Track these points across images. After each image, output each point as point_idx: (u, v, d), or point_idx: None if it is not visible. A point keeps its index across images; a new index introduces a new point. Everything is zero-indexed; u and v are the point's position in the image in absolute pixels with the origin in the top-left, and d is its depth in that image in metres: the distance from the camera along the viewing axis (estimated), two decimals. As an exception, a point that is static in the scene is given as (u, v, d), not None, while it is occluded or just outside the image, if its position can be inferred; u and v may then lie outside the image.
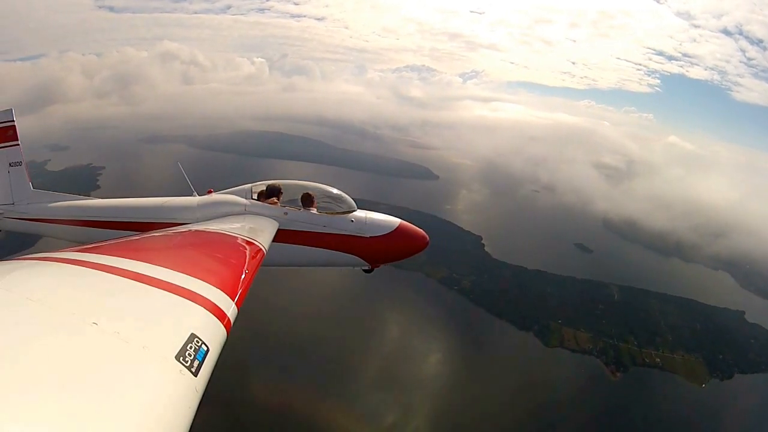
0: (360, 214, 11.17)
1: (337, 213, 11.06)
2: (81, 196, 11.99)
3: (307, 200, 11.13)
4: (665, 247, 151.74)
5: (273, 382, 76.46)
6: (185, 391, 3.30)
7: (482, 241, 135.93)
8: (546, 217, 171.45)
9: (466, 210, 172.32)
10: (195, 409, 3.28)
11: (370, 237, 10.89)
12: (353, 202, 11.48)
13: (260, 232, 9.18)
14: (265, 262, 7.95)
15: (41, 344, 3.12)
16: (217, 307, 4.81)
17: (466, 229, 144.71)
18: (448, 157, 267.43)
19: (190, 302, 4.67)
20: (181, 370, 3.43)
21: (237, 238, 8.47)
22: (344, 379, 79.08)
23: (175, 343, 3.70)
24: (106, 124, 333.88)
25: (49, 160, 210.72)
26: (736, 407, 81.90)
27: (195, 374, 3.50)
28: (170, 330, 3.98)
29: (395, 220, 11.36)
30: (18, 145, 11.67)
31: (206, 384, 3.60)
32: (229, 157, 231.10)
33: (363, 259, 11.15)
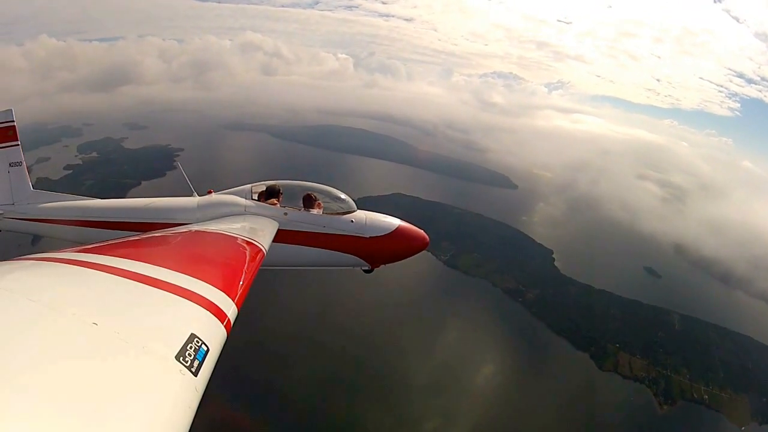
0: (360, 214, 11.54)
1: (337, 213, 11.45)
2: (81, 197, 12.29)
3: (308, 201, 11.57)
4: (731, 278, 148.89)
5: (313, 379, 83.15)
6: (185, 391, 3.43)
7: (553, 255, 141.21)
8: (619, 237, 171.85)
9: (541, 223, 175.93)
10: (195, 409, 3.40)
11: (370, 237, 11.29)
12: (353, 202, 11.88)
13: (260, 232, 9.57)
14: (265, 263, 8.27)
15: (41, 344, 3.24)
16: (217, 307, 4.97)
17: (539, 241, 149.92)
18: (529, 167, 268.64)
19: (190, 302, 4.84)
20: (181, 370, 3.56)
21: (237, 238, 8.80)
22: (391, 381, 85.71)
23: (175, 343, 3.85)
24: (186, 108, 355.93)
25: (127, 137, 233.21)
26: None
27: (195, 374, 3.64)
28: (170, 330, 4.15)
29: (395, 221, 11.78)
30: (18, 145, 11.95)
31: (206, 384, 3.75)
32: (311, 150, 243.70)
33: (363, 259, 11.59)
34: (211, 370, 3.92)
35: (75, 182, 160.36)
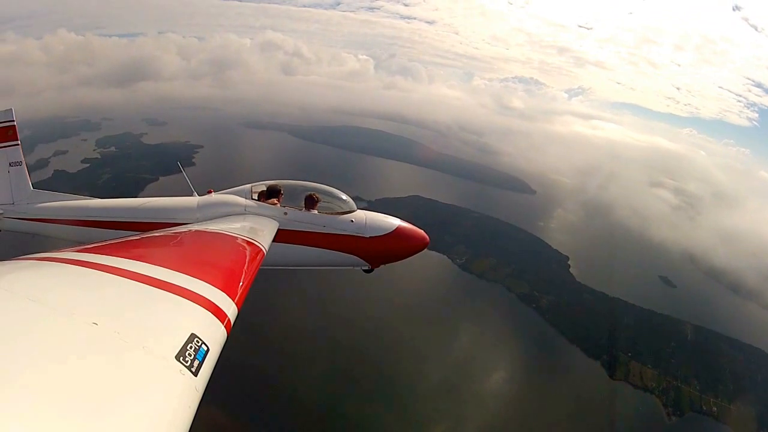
0: (360, 214, 11.68)
1: (337, 213, 11.57)
2: (81, 196, 12.36)
3: (308, 200, 11.66)
4: (744, 289, 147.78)
5: (323, 381, 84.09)
6: (185, 390, 3.47)
7: (568, 262, 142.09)
8: (635, 245, 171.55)
9: (558, 229, 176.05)
10: (195, 408, 3.43)
11: (370, 237, 11.41)
12: (353, 202, 12.03)
13: (260, 232, 9.73)
14: (266, 263, 8.41)
15: (41, 344, 3.26)
16: (218, 307, 5.03)
17: (555, 247, 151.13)
18: (547, 172, 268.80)
19: (190, 302, 4.89)
20: (181, 370, 3.60)
21: (237, 238, 8.94)
22: (401, 383, 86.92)
23: (175, 343, 3.90)
24: (206, 105, 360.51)
25: (146, 133, 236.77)
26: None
27: (195, 374, 3.67)
28: (170, 330, 4.19)
29: (395, 221, 11.93)
30: (18, 144, 11.96)
31: (206, 384, 3.79)
32: (331, 150, 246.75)
33: (363, 259, 11.69)
34: (211, 370, 4.01)
35: (92, 176, 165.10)
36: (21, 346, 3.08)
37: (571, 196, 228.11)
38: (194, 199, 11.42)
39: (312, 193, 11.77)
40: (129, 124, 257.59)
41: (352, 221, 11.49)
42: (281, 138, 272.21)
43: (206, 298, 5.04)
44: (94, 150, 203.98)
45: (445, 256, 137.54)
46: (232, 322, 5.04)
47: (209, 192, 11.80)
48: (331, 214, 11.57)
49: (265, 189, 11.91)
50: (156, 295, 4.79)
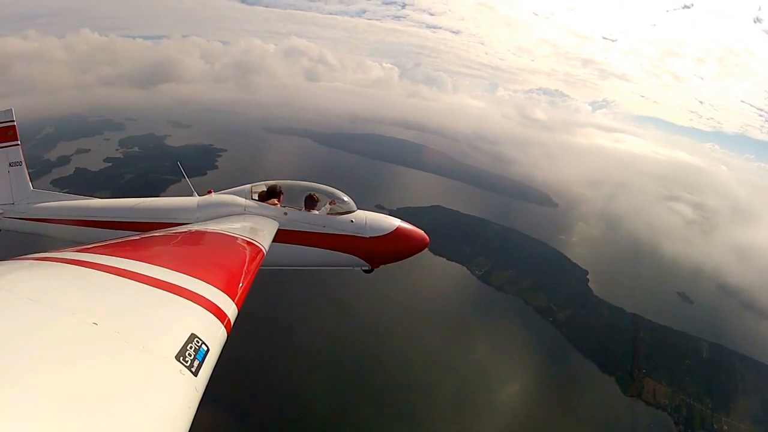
0: (360, 214, 11.86)
1: (337, 213, 11.75)
2: (81, 196, 12.46)
3: (308, 201, 11.87)
4: (761, 306, 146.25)
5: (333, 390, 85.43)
6: (185, 390, 3.49)
7: (587, 276, 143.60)
8: (654, 260, 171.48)
9: (579, 243, 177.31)
10: (195, 408, 3.45)
11: (370, 237, 11.60)
12: (353, 202, 12.17)
13: (260, 232, 9.84)
14: (265, 263, 8.46)
15: (41, 344, 3.25)
16: (217, 307, 5.07)
17: (574, 261, 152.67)
18: (570, 185, 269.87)
19: (190, 302, 4.92)
20: (181, 370, 3.62)
21: (237, 238, 8.99)
22: (412, 392, 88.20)
23: (175, 343, 3.92)
24: (230, 109, 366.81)
25: (169, 135, 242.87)
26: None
27: (195, 374, 3.70)
28: (170, 330, 4.22)
29: (395, 221, 12.12)
30: (18, 145, 12.05)
31: (206, 384, 3.81)
32: (354, 157, 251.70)
33: (363, 259, 11.89)
34: (211, 370, 4.05)
35: (114, 175, 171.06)
36: (21, 346, 3.14)
37: (592, 209, 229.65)
38: (194, 199, 11.58)
39: (312, 193, 12.01)
40: (153, 125, 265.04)
41: (352, 221, 11.69)
42: (304, 144, 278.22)
43: (206, 298, 5.13)
44: (116, 150, 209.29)
45: (464, 267, 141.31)
46: (232, 322, 5.12)
47: (209, 192, 12.00)
48: (332, 214, 11.78)
49: (265, 189, 12.13)
50: (156, 295, 4.87)
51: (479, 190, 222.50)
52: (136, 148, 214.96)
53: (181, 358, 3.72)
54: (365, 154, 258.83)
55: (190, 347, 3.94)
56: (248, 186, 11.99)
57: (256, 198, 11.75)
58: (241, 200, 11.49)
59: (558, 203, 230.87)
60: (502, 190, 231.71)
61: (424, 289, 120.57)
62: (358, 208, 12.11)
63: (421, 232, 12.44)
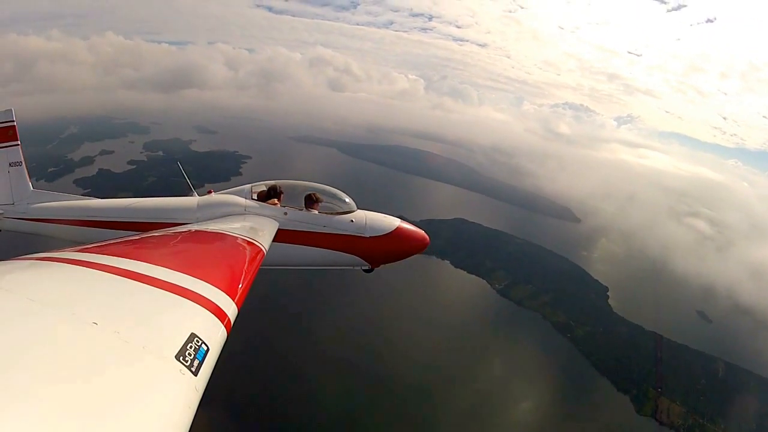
0: (360, 214, 11.88)
1: (337, 213, 11.75)
2: (81, 196, 12.54)
3: (308, 200, 11.87)
4: None
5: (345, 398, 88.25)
6: (185, 390, 3.51)
7: (607, 293, 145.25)
8: (674, 277, 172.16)
9: (600, 259, 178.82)
10: (195, 408, 3.46)
11: (370, 237, 11.65)
12: (353, 202, 12.19)
13: (260, 232, 9.82)
14: (266, 262, 8.52)
15: (41, 344, 3.27)
16: (218, 307, 5.10)
17: (595, 277, 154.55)
18: (593, 201, 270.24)
19: (190, 302, 4.94)
20: (181, 370, 3.64)
21: (237, 238, 9.01)
22: (426, 403, 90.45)
23: (175, 342, 3.93)
24: (255, 116, 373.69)
25: (195, 140, 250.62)
26: None
27: (195, 374, 3.72)
28: (170, 330, 4.22)
29: (395, 221, 12.14)
30: (18, 145, 12.09)
31: (206, 384, 3.82)
32: (380, 168, 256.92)
33: (363, 259, 11.93)
34: (211, 369, 4.07)
35: (138, 177, 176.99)
36: (21, 346, 3.16)
37: (614, 225, 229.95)
38: (194, 199, 11.61)
39: (312, 193, 12.03)
40: (178, 130, 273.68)
41: (352, 221, 11.72)
42: (329, 153, 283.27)
43: (206, 298, 5.16)
44: (141, 152, 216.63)
45: (484, 281, 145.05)
46: (232, 322, 5.16)
47: (209, 192, 12.05)
48: (332, 214, 11.79)
49: (265, 189, 12.12)
50: (156, 295, 4.89)
51: (502, 204, 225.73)
52: (160, 152, 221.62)
53: (181, 357, 3.79)
54: (390, 165, 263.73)
55: (190, 347, 4.00)
56: (248, 186, 12.11)
57: (256, 198, 11.87)
58: (241, 200, 11.62)
59: (580, 218, 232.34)
60: (524, 204, 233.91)
61: (443, 300, 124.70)
62: (358, 209, 12.22)
63: (422, 232, 12.62)
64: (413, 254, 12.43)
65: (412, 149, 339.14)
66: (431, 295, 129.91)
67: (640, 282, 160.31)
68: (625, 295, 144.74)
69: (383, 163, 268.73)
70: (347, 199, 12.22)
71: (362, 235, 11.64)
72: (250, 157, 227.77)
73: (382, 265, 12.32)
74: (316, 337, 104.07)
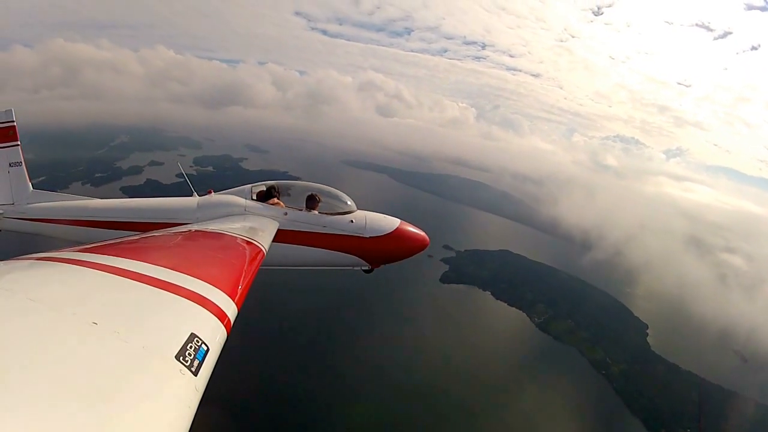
0: (360, 214, 12.18)
1: (337, 213, 12.04)
2: (81, 197, 12.72)
3: (308, 201, 12.15)
4: None
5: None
6: (185, 390, 3.58)
7: (647, 330, 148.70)
8: (715, 316, 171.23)
9: (643, 296, 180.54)
10: (195, 408, 3.53)
11: (370, 237, 11.92)
12: (353, 202, 12.49)
13: (260, 232, 10.02)
14: (266, 263, 8.66)
15: (41, 344, 3.32)
16: (218, 307, 5.20)
17: (636, 314, 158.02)
18: (636, 235, 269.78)
19: (190, 302, 5.04)
20: (181, 370, 3.72)
21: (237, 238, 9.20)
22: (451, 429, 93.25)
23: (175, 342, 4.02)
24: (308, 138, 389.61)
25: (246, 158, 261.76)
26: None
27: (195, 374, 3.80)
28: (170, 330, 4.31)
29: (395, 221, 12.43)
30: (18, 145, 12.28)
31: (206, 383, 3.90)
32: (431, 198, 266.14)
33: (363, 259, 12.20)
34: (211, 369, 4.15)
35: (185, 191, 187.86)
36: (21, 346, 3.22)
37: (655, 260, 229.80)
38: (194, 200, 11.93)
39: (312, 193, 12.35)
40: (230, 147, 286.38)
41: (352, 221, 12.03)
42: (380, 180, 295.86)
43: (206, 298, 5.25)
44: (191, 166, 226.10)
45: (524, 314, 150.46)
46: (232, 322, 5.25)
47: (209, 192, 12.42)
48: (331, 214, 12.09)
49: (265, 189, 12.50)
50: (156, 295, 4.97)
51: (547, 237, 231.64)
52: (210, 168, 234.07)
53: (181, 357, 3.86)
54: (439, 194, 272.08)
55: (190, 347, 4.07)
56: (248, 186, 12.42)
57: (256, 198, 12.16)
58: (241, 200, 11.87)
59: (623, 252, 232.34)
60: (569, 237, 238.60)
61: (481, 331, 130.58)
62: (358, 209, 12.50)
63: (422, 233, 12.81)
64: (413, 254, 12.79)
65: (461, 178, 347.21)
66: (469, 324, 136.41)
67: (679, 320, 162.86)
68: (664, 333, 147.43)
69: (434, 191, 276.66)
70: (347, 200, 12.64)
71: (362, 236, 12.01)
72: (299, 179, 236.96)
73: (382, 266, 12.70)
74: (325, 348, 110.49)
